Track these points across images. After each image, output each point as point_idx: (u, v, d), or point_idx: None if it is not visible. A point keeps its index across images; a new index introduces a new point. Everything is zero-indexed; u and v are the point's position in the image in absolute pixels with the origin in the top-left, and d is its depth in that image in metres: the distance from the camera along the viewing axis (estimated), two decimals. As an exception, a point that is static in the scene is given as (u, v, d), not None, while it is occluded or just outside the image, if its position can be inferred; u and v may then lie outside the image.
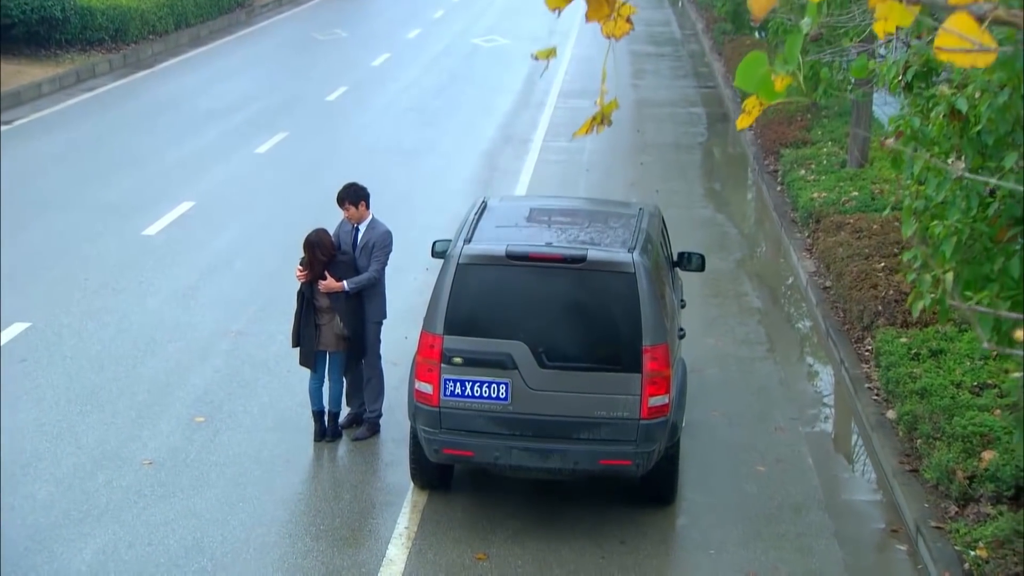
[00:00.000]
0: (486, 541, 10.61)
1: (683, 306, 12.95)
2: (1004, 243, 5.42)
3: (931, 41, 7.62)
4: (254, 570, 10.11)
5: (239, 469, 11.66)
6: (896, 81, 7.63)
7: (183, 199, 20.06)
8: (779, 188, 21.42)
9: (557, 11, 3.74)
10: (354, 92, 29.43)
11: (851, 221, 17.68)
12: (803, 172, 20.84)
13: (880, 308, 14.66)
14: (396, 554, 10.39)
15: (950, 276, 6.19)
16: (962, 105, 6.55)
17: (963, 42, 3.08)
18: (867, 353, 14.34)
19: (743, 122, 3.88)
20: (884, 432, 12.57)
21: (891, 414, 12.81)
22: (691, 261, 13.08)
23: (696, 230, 19.30)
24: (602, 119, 3.87)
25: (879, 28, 3.69)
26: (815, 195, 19.17)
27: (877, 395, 13.37)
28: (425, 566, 10.26)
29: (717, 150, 26.39)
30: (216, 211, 19.67)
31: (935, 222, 6.29)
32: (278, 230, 18.57)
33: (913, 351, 13.31)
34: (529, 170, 22.64)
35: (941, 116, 6.67)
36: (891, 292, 14.67)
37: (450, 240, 12.45)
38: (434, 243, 13.22)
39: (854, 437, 13.20)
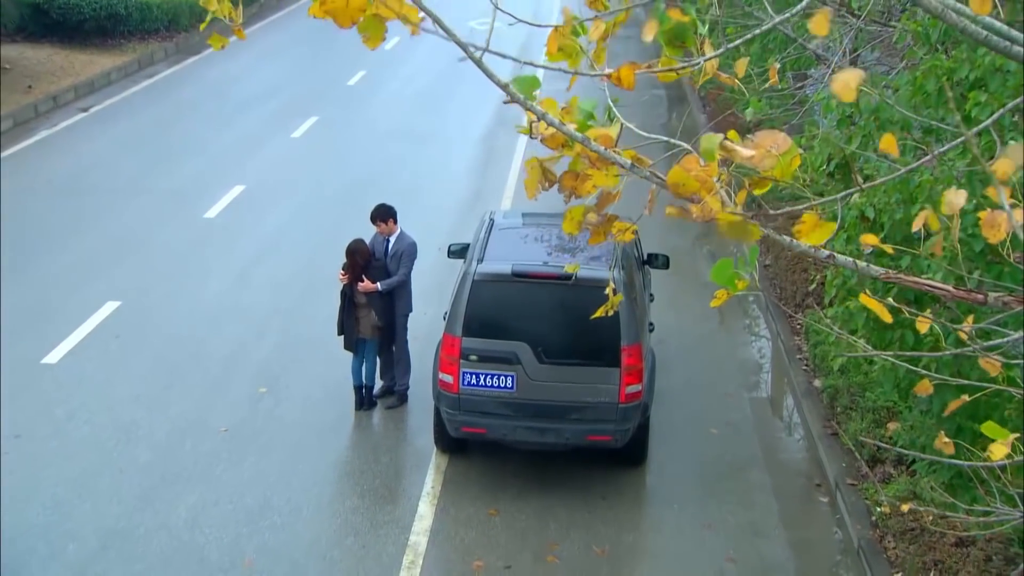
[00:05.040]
0: (496, 499, 11.38)
1: (651, 300, 13.66)
2: (901, 317, 6.16)
3: (850, 139, 8.35)
4: (315, 525, 10.84)
5: (297, 435, 12.37)
6: (821, 170, 8.37)
7: (235, 183, 20.53)
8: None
9: (571, 235, 4.42)
10: (371, 77, 29.78)
11: (788, 206, 18.33)
12: (748, 158, 21.41)
13: (809, 290, 15.41)
14: (425, 510, 11.16)
15: (861, 342, 6.97)
16: (870, 213, 7.32)
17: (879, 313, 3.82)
18: (799, 327, 15.07)
19: (716, 303, 4.64)
20: (812, 399, 13.34)
21: (817, 383, 13.57)
22: (658, 260, 13.80)
23: (659, 209, 19.86)
24: (612, 307, 4.59)
25: (800, 232, 4.40)
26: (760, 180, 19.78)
27: (807, 366, 14.12)
28: (448, 520, 11.01)
29: (676, 131, 26.92)
30: (263, 194, 20.13)
31: (850, 300, 7.05)
32: (315, 213, 19.14)
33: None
34: (520, 153, 23.15)
35: (854, 217, 7.45)
36: (819, 277, 15.40)
37: (462, 243, 13.18)
38: (449, 246, 13.84)
39: (788, 402, 13.96)
